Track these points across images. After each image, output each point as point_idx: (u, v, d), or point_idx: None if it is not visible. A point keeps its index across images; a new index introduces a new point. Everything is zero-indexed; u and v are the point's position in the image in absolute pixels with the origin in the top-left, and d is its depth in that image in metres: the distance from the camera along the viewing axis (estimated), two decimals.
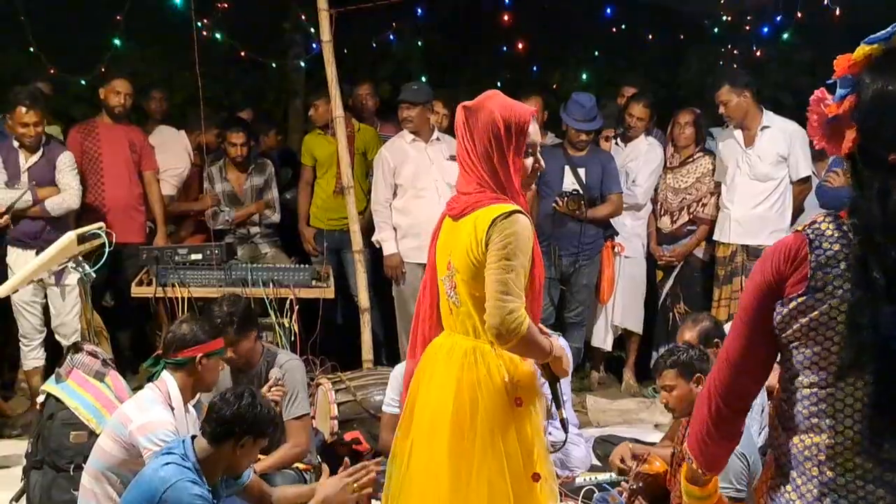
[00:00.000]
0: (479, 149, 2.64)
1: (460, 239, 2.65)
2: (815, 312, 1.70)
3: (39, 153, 5.32)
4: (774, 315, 1.76)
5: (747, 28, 8.22)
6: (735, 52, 8.80)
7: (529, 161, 2.70)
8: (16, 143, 5.29)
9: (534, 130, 2.69)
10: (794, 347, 1.76)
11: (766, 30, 7.88)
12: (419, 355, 2.85)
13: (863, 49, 1.71)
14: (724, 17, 8.23)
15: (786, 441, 1.83)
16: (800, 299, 1.71)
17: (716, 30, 8.70)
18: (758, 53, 8.23)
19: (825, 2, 5.86)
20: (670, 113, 6.42)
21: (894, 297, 1.63)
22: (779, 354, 1.85)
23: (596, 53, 9.43)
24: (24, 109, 5.15)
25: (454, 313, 2.72)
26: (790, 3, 6.91)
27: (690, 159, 5.98)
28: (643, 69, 8.72)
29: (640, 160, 6.02)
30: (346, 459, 3.32)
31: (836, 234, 1.70)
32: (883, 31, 1.69)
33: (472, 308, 2.64)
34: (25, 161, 5.29)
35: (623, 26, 8.84)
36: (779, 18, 7.48)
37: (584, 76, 8.91)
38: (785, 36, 7.62)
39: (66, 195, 5.33)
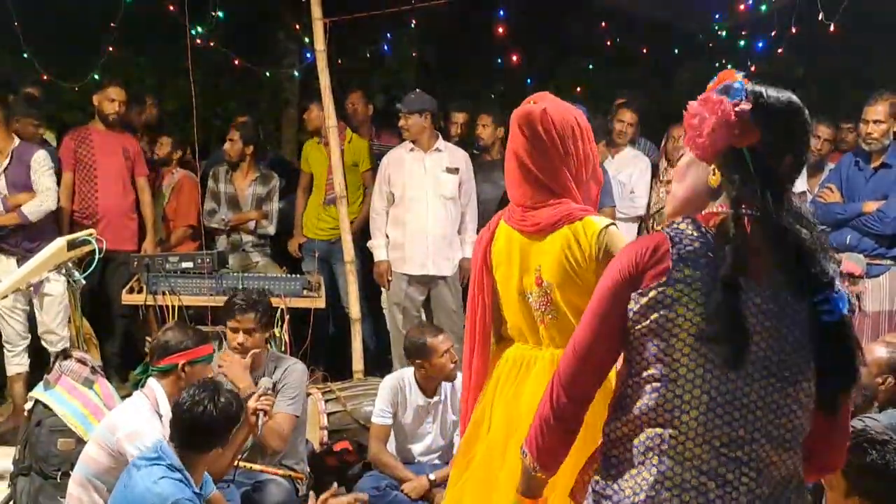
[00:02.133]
0: (554, 152, 2.68)
1: (552, 253, 2.68)
2: (672, 304, 1.75)
3: (9, 157, 5.29)
4: (631, 305, 1.80)
5: (741, 43, 8.27)
6: (729, 66, 8.84)
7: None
8: None
9: None
10: (645, 341, 1.80)
11: (760, 45, 7.93)
12: (480, 368, 2.88)
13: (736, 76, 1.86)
14: (719, 32, 8.29)
15: (625, 434, 1.85)
16: (659, 289, 1.76)
17: (710, 45, 8.75)
18: (752, 68, 8.29)
19: (820, 17, 5.90)
20: (663, 127, 6.46)
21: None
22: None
23: (590, 66, 9.48)
24: None
25: (546, 325, 2.74)
26: (785, 18, 6.97)
27: None
28: (636, 83, 8.78)
29: (634, 172, 6.05)
30: (335, 485, 3.32)
31: (695, 234, 1.79)
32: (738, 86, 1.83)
33: (573, 318, 2.66)
34: None
35: (617, 39, 8.91)
36: (773, 33, 7.53)
37: (577, 89, 8.95)
38: (780, 51, 7.68)
39: (43, 197, 5.30)
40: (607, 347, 1.88)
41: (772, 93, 1.83)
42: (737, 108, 1.78)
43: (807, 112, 1.84)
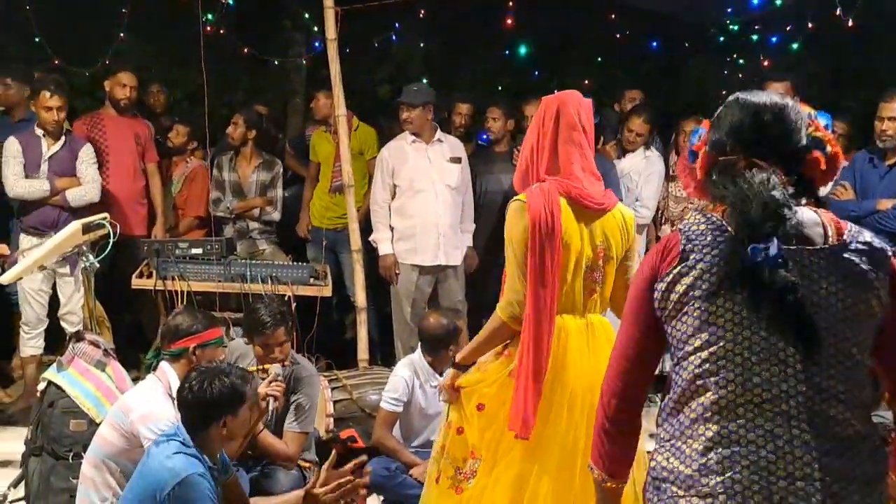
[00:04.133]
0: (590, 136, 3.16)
1: (613, 230, 3.14)
2: (688, 278, 1.90)
3: (61, 143, 5.50)
4: (654, 294, 1.96)
5: (754, 38, 8.34)
6: (741, 61, 8.92)
7: None
8: (39, 131, 5.46)
9: None
10: (675, 322, 1.93)
11: (774, 39, 7.98)
12: (549, 344, 3.04)
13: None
14: (731, 26, 8.35)
15: (672, 417, 1.96)
16: (674, 270, 1.92)
17: (721, 39, 8.82)
18: (765, 63, 8.37)
19: (837, 11, 5.96)
20: (670, 121, 6.53)
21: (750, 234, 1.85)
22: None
23: (599, 59, 9.56)
24: (48, 94, 5.34)
25: (597, 294, 3.15)
26: (801, 13, 7.02)
27: None
28: (644, 77, 8.86)
29: (640, 177, 6.06)
30: (332, 454, 3.43)
31: (700, 219, 1.97)
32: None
33: (608, 289, 3.18)
34: (47, 150, 5.45)
35: (627, 32, 8.99)
36: (788, 28, 7.58)
37: (585, 82, 9.03)
38: (794, 46, 7.73)
39: (89, 187, 5.52)
40: (647, 347, 2.01)
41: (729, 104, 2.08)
42: (693, 152, 2.09)
43: (769, 112, 2.00)
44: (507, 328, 3.08)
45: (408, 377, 4.53)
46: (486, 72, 9.24)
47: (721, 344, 1.86)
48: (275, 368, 4.11)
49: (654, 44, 9.41)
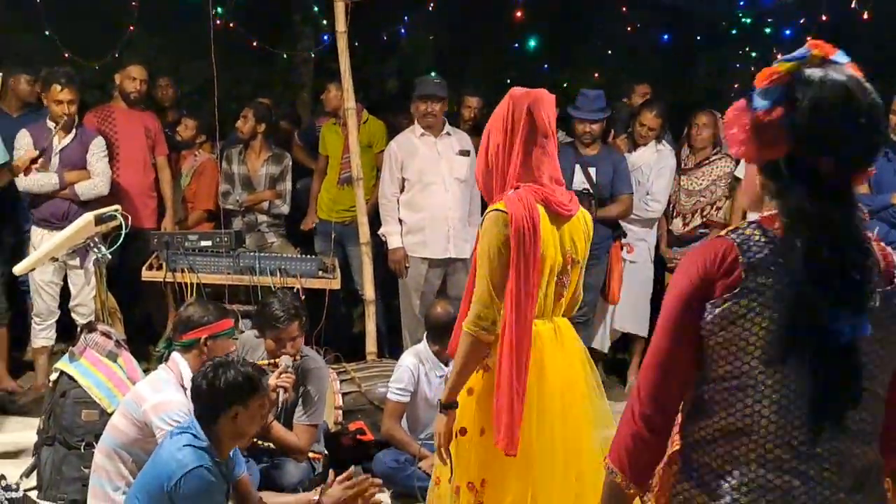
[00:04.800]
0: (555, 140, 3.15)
1: (579, 235, 3.13)
2: (745, 314, 1.79)
3: (72, 135, 5.60)
4: (705, 315, 1.84)
5: (767, 30, 8.36)
6: (753, 54, 8.94)
7: None
8: (50, 124, 5.55)
9: None
10: (719, 349, 1.84)
11: (788, 32, 7.99)
12: (528, 348, 3.01)
13: (785, 65, 1.83)
14: (744, 19, 8.38)
15: (703, 438, 1.90)
16: (732, 301, 1.80)
17: (733, 31, 8.85)
18: (778, 56, 8.38)
19: (853, 4, 5.98)
20: (681, 114, 6.59)
21: (826, 291, 1.73)
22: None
23: (609, 52, 9.60)
24: (58, 87, 5.42)
25: (563, 299, 3.15)
26: (815, 5, 7.02)
27: (707, 161, 6.11)
28: (655, 70, 8.90)
29: (651, 171, 6.09)
30: (352, 468, 3.49)
31: (763, 240, 1.81)
32: (798, 51, 1.84)
33: (571, 292, 3.18)
34: (58, 143, 5.56)
35: (638, 25, 9.02)
36: (802, 21, 7.59)
37: (595, 75, 9.08)
38: (808, 38, 7.74)
39: (98, 180, 5.60)
40: (686, 357, 1.90)
41: (812, 91, 1.78)
42: (762, 121, 1.80)
43: (859, 103, 1.77)
44: (482, 345, 2.99)
45: (413, 366, 4.61)
46: (494, 65, 9.30)
47: (762, 387, 1.81)
48: (284, 360, 4.20)
49: (666, 36, 9.44)
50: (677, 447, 1.99)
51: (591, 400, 3.19)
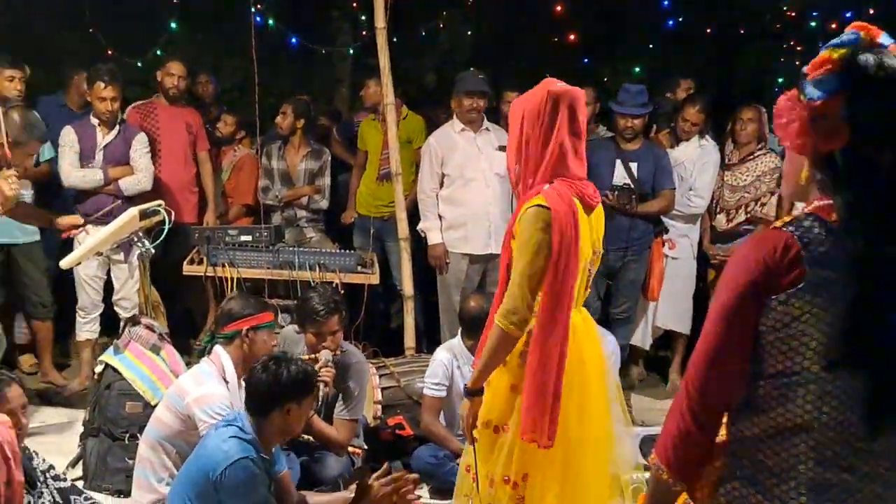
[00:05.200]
0: None
1: (600, 225, 3.23)
2: (810, 308, 1.76)
3: (116, 132, 5.71)
4: (765, 310, 1.81)
5: (812, 24, 8.28)
6: (798, 48, 8.86)
7: None
8: (94, 121, 5.68)
9: None
10: (778, 345, 1.81)
11: (833, 26, 7.90)
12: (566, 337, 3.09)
13: (836, 51, 1.77)
14: (788, 13, 8.30)
15: (757, 435, 1.88)
16: (796, 297, 1.77)
17: (777, 25, 8.77)
18: (823, 44, 8.26)
19: None
20: (724, 109, 6.54)
21: (889, 289, 1.72)
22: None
23: (650, 46, 9.55)
24: (102, 84, 5.54)
25: (587, 287, 3.23)
26: None
27: (751, 157, 6.06)
28: (698, 64, 8.84)
29: (694, 166, 6.06)
30: (386, 464, 3.53)
31: (824, 233, 1.77)
32: (846, 36, 1.78)
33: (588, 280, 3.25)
34: (102, 139, 5.67)
35: (680, 18, 8.97)
36: (848, 14, 7.51)
37: (637, 69, 9.03)
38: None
39: (141, 176, 5.72)
40: (739, 352, 1.87)
41: (871, 79, 1.73)
42: (820, 112, 1.77)
43: None
44: (511, 339, 3.01)
45: (447, 361, 4.65)
46: (534, 60, 9.28)
47: (821, 383, 1.79)
48: (325, 354, 4.24)
49: (708, 30, 9.38)
50: (722, 438, 1.97)
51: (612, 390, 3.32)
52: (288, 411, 3.34)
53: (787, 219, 1.85)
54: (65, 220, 4.92)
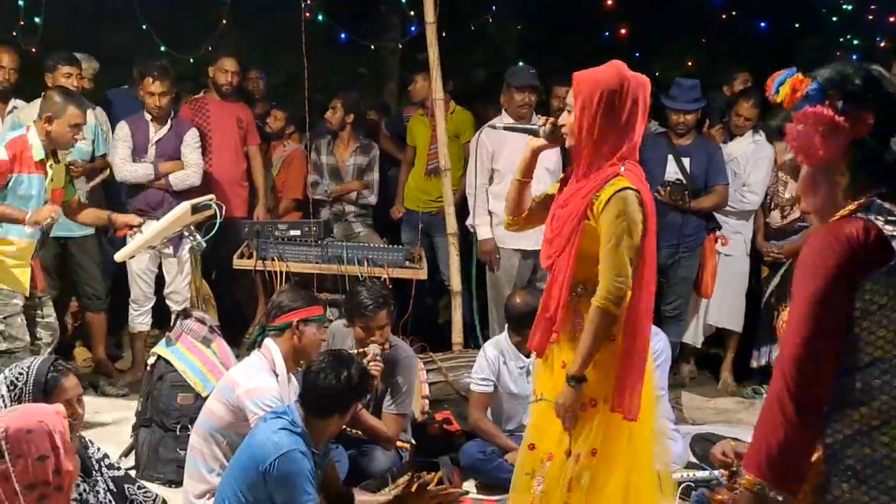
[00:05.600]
0: None
1: None
2: None
3: (168, 126, 5.81)
4: (858, 295, 1.81)
5: (871, 17, 8.14)
6: (855, 42, 8.72)
7: None
8: (147, 116, 5.79)
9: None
10: (877, 327, 1.81)
11: (893, 19, 7.77)
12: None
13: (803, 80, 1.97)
14: (844, 6, 8.17)
15: (852, 436, 1.85)
16: (887, 277, 1.79)
17: (834, 18, 8.63)
18: (882, 44, 8.12)
19: None
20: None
21: None
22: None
23: (703, 41, 9.45)
24: (151, 80, 5.65)
25: None
26: None
27: None
28: (752, 58, 8.74)
29: (748, 162, 6.01)
30: (433, 474, 3.57)
31: (888, 214, 1.82)
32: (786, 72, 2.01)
33: None
34: (154, 133, 5.77)
35: (733, 12, 8.87)
36: None
37: (688, 63, 8.94)
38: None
39: (190, 171, 5.80)
40: (836, 346, 1.86)
41: (849, 74, 1.91)
42: (834, 108, 1.87)
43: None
44: (612, 318, 3.07)
45: (493, 357, 4.65)
46: (583, 54, 9.23)
47: None
48: (373, 348, 4.28)
49: (763, 24, 9.27)
50: (819, 451, 1.93)
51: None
52: (348, 412, 3.44)
53: (847, 210, 1.86)
54: (121, 218, 5.02)
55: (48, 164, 4.70)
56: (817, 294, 1.84)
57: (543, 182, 5.70)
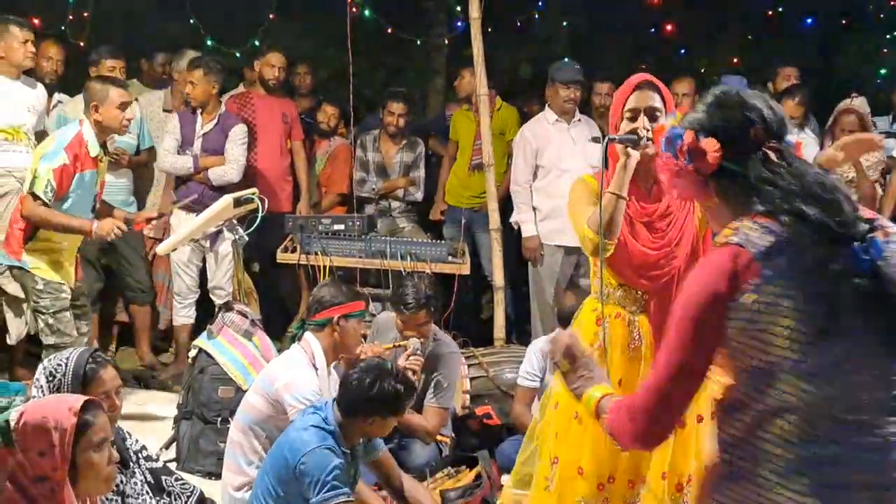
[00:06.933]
0: None
1: None
2: (773, 297, 1.78)
3: (215, 121, 5.73)
4: (731, 314, 1.82)
5: None
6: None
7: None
8: (198, 109, 5.72)
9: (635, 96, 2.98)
10: (751, 339, 1.82)
11: None
12: None
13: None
14: (892, 2, 7.97)
15: (743, 433, 1.87)
16: (758, 292, 1.79)
17: (881, 15, 8.42)
18: None
19: None
20: (825, 101, 6.26)
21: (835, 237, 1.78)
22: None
23: (749, 38, 9.27)
24: (200, 74, 5.59)
25: None
26: None
27: None
28: (798, 55, 8.52)
29: None
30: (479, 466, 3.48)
31: (759, 230, 1.83)
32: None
33: None
34: (201, 127, 5.72)
35: (780, 9, 8.68)
36: None
37: (735, 60, 8.77)
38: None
39: (229, 168, 5.69)
40: (701, 370, 1.89)
41: (709, 112, 1.96)
42: (677, 152, 1.95)
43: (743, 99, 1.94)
44: None
45: (544, 353, 4.53)
46: (630, 50, 9.08)
47: (797, 362, 1.79)
48: (413, 343, 4.22)
49: (809, 20, 9.05)
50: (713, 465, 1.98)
51: None
52: (371, 422, 3.34)
53: (723, 237, 1.90)
54: (142, 214, 4.98)
55: (100, 157, 4.65)
56: (685, 322, 1.88)
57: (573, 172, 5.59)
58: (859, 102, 5.86)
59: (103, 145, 4.69)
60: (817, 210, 1.80)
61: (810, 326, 1.78)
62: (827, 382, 1.80)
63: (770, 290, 1.79)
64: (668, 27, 7.93)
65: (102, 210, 4.83)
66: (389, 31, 7.39)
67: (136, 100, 5.76)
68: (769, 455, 1.84)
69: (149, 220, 4.87)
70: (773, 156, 1.89)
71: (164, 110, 6.13)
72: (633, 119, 2.97)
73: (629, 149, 2.90)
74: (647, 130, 2.95)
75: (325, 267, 5.40)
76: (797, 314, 1.78)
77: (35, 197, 4.41)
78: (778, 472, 1.83)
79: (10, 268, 4.65)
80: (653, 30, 8.50)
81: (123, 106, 4.59)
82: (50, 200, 4.41)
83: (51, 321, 4.58)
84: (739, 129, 1.91)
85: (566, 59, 6.02)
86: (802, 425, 1.81)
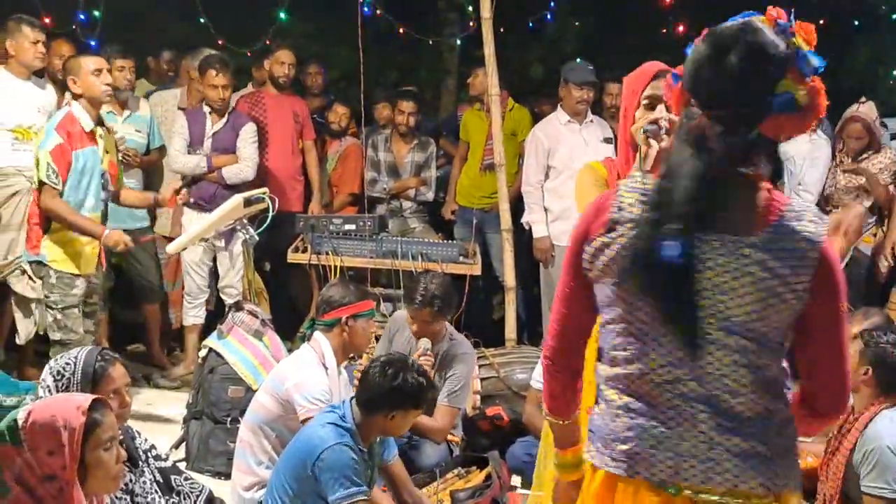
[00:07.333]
0: None
1: None
2: (609, 251, 1.89)
3: (225, 120, 5.69)
4: (583, 254, 1.96)
5: None
6: None
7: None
8: (205, 108, 5.69)
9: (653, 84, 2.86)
10: (599, 287, 1.96)
11: None
12: None
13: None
14: None
15: (601, 369, 2.04)
16: (601, 238, 1.91)
17: (893, 16, 8.37)
18: None
19: None
20: (837, 103, 6.19)
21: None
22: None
23: None
24: (213, 72, 5.54)
25: None
26: None
27: (864, 158, 5.76)
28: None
29: (805, 161, 5.82)
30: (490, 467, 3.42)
31: (636, 187, 1.92)
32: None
33: None
34: (211, 127, 5.68)
35: (791, 9, 8.61)
36: None
37: None
38: None
39: (244, 165, 5.66)
40: (579, 296, 2.02)
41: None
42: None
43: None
44: None
45: None
46: (641, 51, 9.01)
47: (626, 324, 1.92)
48: (423, 343, 4.19)
49: (820, 21, 8.98)
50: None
51: None
52: (392, 417, 3.29)
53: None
54: (166, 190, 4.91)
55: (97, 133, 4.60)
56: (568, 252, 2.03)
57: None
58: (866, 109, 5.80)
59: (99, 121, 4.64)
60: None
61: (631, 300, 1.90)
62: (653, 349, 1.91)
63: (612, 237, 1.90)
64: (680, 27, 7.85)
65: (124, 195, 4.85)
66: (401, 31, 7.36)
67: (146, 97, 5.74)
68: (606, 392, 2.02)
69: (177, 192, 4.85)
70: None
71: (180, 108, 6.09)
72: (652, 107, 2.92)
73: (650, 139, 2.85)
74: (667, 121, 2.90)
75: (335, 267, 5.38)
76: (622, 285, 1.90)
77: (45, 186, 4.40)
78: (610, 405, 1.99)
79: (30, 263, 4.62)
80: (664, 30, 8.43)
81: (97, 73, 4.52)
82: (57, 185, 4.39)
83: (59, 316, 4.55)
84: None
85: (579, 60, 5.98)
86: (627, 380, 1.95)
